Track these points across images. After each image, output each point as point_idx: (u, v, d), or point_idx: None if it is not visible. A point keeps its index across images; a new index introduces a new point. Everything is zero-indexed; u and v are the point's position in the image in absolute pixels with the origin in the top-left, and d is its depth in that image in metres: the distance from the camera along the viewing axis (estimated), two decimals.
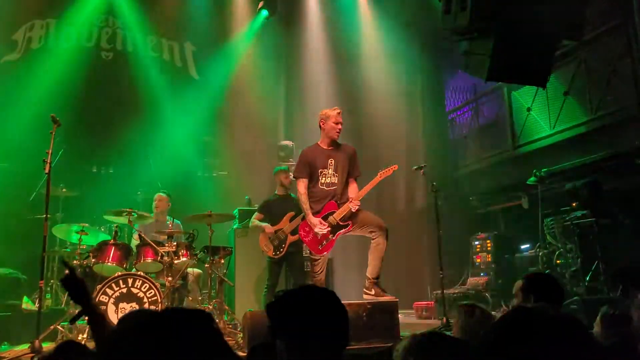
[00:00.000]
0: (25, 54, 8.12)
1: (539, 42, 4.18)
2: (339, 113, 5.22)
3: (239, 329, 5.42)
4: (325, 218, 5.08)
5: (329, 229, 5.06)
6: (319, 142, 5.33)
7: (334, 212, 5.08)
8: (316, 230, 5.05)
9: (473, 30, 4.05)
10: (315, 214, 5.11)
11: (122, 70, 8.49)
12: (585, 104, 7.14)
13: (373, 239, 5.10)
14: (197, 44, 9.14)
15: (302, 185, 5.18)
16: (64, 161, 6.28)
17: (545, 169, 7.29)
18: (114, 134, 7.84)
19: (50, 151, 4.79)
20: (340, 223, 5.08)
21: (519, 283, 2.75)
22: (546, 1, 3.94)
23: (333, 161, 5.20)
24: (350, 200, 5.05)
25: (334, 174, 5.18)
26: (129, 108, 8.21)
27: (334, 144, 5.28)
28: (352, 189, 5.24)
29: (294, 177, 5.37)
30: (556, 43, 4.72)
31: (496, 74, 4.16)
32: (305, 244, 5.57)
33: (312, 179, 5.19)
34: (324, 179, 5.17)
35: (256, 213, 6.50)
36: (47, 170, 4.76)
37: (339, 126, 5.20)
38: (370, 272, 5.10)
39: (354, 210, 5.06)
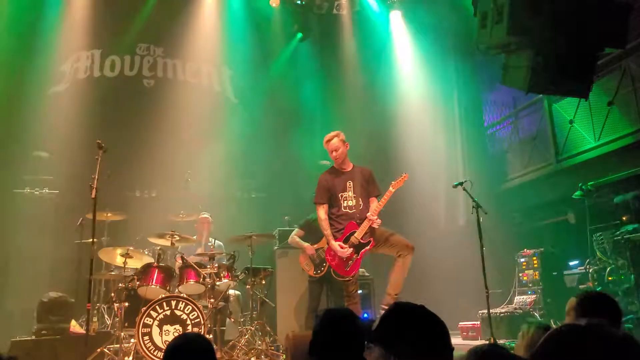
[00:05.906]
0: (72, 84, 8.47)
1: (580, 52, 4.07)
2: (325, 142, 5.37)
3: (281, 351, 5.40)
4: (347, 239, 5.17)
5: (352, 249, 5.11)
6: (334, 166, 5.44)
7: (354, 232, 5.17)
8: (339, 254, 5.13)
9: (510, 44, 3.98)
10: (338, 233, 5.20)
11: (163, 96, 8.75)
12: (631, 114, 6.89)
13: (399, 256, 5.13)
14: (235, 68, 9.35)
15: (322, 211, 5.30)
16: (108, 186, 6.45)
17: (591, 182, 7.05)
18: (155, 158, 8.04)
19: (96, 176, 4.92)
20: (362, 241, 5.16)
21: (572, 301, 2.57)
22: (586, 9, 3.83)
23: (352, 184, 5.31)
24: (368, 217, 5.13)
25: (354, 196, 5.28)
26: (170, 133, 8.41)
27: (349, 166, 5.40)
28: (373, 208, 5.30)
29: (314, 202, 5.41)
30: (597, 52, 4.58)
31: (537, 87, 4.06)
32: (332, 268, 5.57)
33: (335, 203, 5.29)
34: (345, 202, 5.27)
35: (297, 229, 6.53)
36: (93, 196, 4.89)
37: (331, 153, 5.35)
38: (392, 288, 5.15)
39: (376, 227, 5.14)
